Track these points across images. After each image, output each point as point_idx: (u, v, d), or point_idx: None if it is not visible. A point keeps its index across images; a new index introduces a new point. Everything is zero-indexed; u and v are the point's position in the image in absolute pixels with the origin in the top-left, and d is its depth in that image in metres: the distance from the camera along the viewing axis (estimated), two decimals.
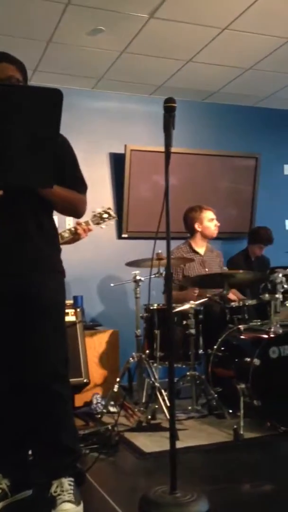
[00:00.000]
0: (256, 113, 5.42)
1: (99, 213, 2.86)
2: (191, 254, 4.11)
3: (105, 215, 2.88)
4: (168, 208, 2.28)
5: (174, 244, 4.12)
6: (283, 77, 4.71)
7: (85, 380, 3.62)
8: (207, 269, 4.06)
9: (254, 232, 4.85)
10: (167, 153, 2.31)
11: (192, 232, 4.17)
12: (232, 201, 5.22)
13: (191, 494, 2.09)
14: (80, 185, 2.28)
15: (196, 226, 4.14)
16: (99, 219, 2.84)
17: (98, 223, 2.84)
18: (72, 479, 2.09)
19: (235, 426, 2.98)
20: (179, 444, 2.75)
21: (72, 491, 2.04)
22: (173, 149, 5.10)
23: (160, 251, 3.37)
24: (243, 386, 3.08)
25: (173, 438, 2.18)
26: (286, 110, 5.52)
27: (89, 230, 2.66)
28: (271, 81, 4.79)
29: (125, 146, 4.70)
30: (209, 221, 4.12)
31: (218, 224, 4.17)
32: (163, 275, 3.32)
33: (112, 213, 2.92)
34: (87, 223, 2.69)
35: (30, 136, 1.76)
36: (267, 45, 4.09)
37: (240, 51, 4.18)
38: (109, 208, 2.92)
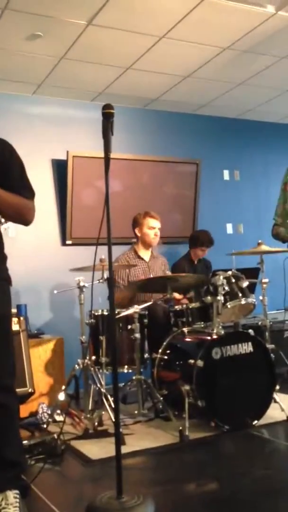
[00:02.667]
0: (196, 120, 5.55)
1: None
2: (136, 260, 4.14)
3: None
4: (108, 214, 2.29)
5: (118, 249, 4.18)
6: (220, 85, 4.84)
7: (30, 390, 3.57)
8: (151, 275, 4.10)
9: (194, 237, 4.95)
10: (106, 159, 2.33)
11: (136, 236, 4.22)
12: (175, 206, 5.30)
13: (137, 497, 2.11)
14: (27, 191, 2.20)
15: (137, 230, 4.18)
16: None
17: None
18: (17, 491, 2.05)
19: (180, 428, 3.02)
20: (125, 449, 2.79)
21: (17, 504, 2.01)
22: (117, 155, 5.17)
23: (103, 257, 3.38)
24: (187, 387, 3.14)
25: (118, 443, 2.19)
26: (224, 118, 5.68)
27: None
28: (209, 89, 4.92)
29: (67, 152, 4.68)
30: (149, 228, 4.16)
31: (158, 234, 4.19)
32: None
33: None
34: None
35: None
36: (204, 54, 4.20)
37: (178, 59, 4.27)
38: None
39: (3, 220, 2.94)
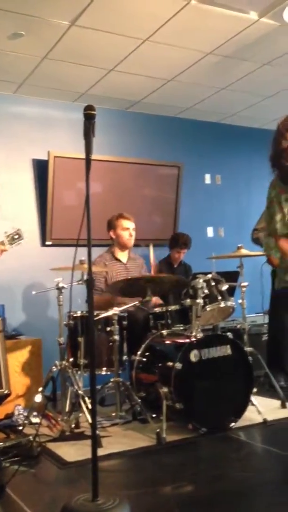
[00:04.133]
0: (178, 124, 5.57)
1: (11, 234, 3.23)
2: (113, 262, 4.13)
3: (16, 236, 3.27)
4: (89, 215, 2.29)
5: (98, 251, 4.17)
6: (203, 89, 4.87)
7: (6, 392, 3.52)
8: (129, 277, 4.09)
9: (173, 237, 4.99)
10: (87, 160, 2.32)
11: (111, 239, 4.21)
12: (156, 208, 5.31)
13: (112, 500, 2.10)
14: None
15: (111, 233, 4.18)
16: (11, 240, 3.11)
17: (10, 244, 3.23)
18: None
19: (158, 430, 3.02)
20: (102, 451, 2.78)
21: None
22: (98, 157, 5.14)
23: (83, 258, 3.36)
24: (165, 390, 3.13)
25: (95, 445, 2.17)
26: (207, 122, 5.72)
27: (4, 250, 2.87)
28: (191, 93, 4.94)
29: (49, 152, 4.65)
30: (122, 230, 4.15)
31: (133, 234, 4.19)
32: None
33: (22, 234, 3.29)
34: (2, 243, 2.77)
35: None
36: (187, 58, 4.22)
37: (161, 62, 4.28)
38: (18, 229, 3.27)
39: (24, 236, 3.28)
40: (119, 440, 3.11)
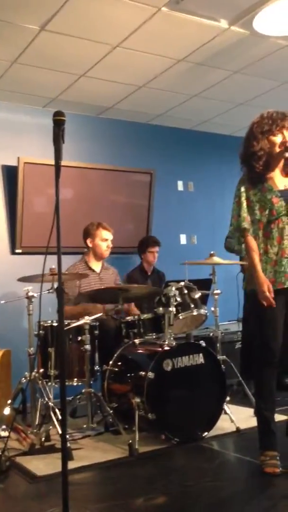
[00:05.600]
0: (150, 130, 5.56)
1: None
2: (87, 271, 4.07)
3: None
4: (58, 222, 2.24)
5: (69, 259, 4.10)
6: (175, 96, 4.88)
7: None
8: (103, 287, 4.04)
9: (141, 242, 4.92)
10: (57, 167, 2.28)
11: (87, 247, 4.15)
12: (128, 215, 5.28)
13: None
14: None
15: (88, 241, 4.11)
16: None
17: None
18: None
19: (130, 441, 2.97)
20: (73, 464, 2.73)
21: None
22: (69, 163, 5.09)
23: (53, 266, 3.30)
24: (138, 400, 3.09)
25: (65, 458, 2.11)
26: (179, 129, 5.72)
27: None
28: (163, 100, 4.94)
29: (18, 158, 4.57)
30: (101, 240, 4.10)
31: (110, 246, 4.14)
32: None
33: None
34: None
35: None
36: (158, 65, 4.21)
37: (132, 69, 4.26)
38: None
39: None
40: (91, 452, 3.05)
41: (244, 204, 2.66)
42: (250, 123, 2.72)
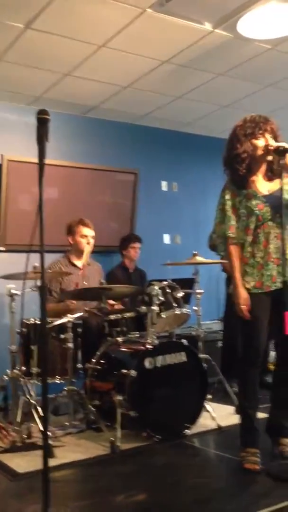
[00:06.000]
0: (135, 130, 5.58)
1: None
2: (69, 268, 4.08)
3: None
4: (42, 220, 2.24)
5: (52, 257, 4.11)
6: (160, 97, 4.90)
7: None
8: (86, 283, 4.06)
9: (122, 239, 4.95)
10: (41, 165, 2.29)
11: (69, 244, 4.17)
12: (112, 215, 5.29)
13: (63, 510, 2.07)
14: None
15: (70, 238, 4.14)
16: None
17: None
18: None
19: (111, 439, 2.99)
20: (54, 462, 2.74)
21: None
22: (54, 162, 5.07)
23: (37, 264, 3.30)
24: (120, 398, 3.11)
25: (46, 455, 2.12)
26: (164, 129, 5.75)
27: None
28: (148, 101, 4.96)
29: (2, 156, 4.56)
30: (81, 237, 4.11)
31: (91, 242, 4.15)
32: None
33: None
34: None
35: None
36: (143, 65, 4.23)
37: (117, 69, 4.28)
38: None
39: None
40: (72, 449, 3.06)
41: (229, 212, 2.68)
42: (233, 126, 2.76)
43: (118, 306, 4.11)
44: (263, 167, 2.73)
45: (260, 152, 2.66)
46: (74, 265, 4.13)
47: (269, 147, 2.63)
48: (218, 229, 2.73)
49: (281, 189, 2.63)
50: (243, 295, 2.61)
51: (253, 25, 3.63)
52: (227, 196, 2.71)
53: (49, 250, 3.20)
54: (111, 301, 3.95)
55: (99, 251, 4.46)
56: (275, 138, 2.67)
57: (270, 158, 2.66)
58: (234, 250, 2.67)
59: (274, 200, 2.63)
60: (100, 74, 4.36)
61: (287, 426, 2.65)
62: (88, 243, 4.12)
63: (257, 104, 5.03)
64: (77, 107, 5.05)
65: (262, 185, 2.71)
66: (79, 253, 4.15)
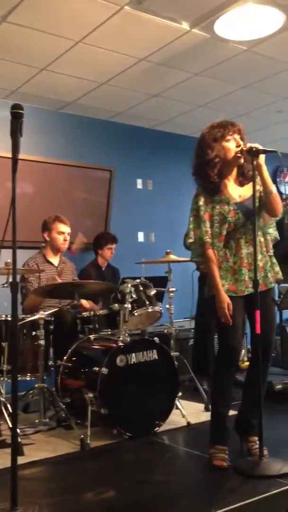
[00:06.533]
0: (111, 127, 5.57)
1: None
2: (45, 265, 4.05)
3: None
4: (14, 215, 2.23)
5: (26, 253, 4.07)
6: (136, 95, 4.91)
7: None
8: (61, 280, 4.03)
9: (98, 238, 4.92)
10: (14, 160, 2.27)
11: (45, 240, 4.13)
12: (87, 212, 5.27)
13: (32, 509, 2.07)
14: None
15: (45, 235, 4.10)
16: None
17: None
18: None
19: (82, 436, 2.98)
20: (24, 459, 2.72)
21: None
22: (28, 157, 5.01)
23: (9, 260, 3.27)
24: (91, 395, 3.10)
25: (15, 452, 2.12)
26: (140, 127, 5.75)
27: None
28: (125, 98, 4.96)
29: None
30: (58, 233, 4.08)
31: (67, 239, 4.12)
32: None
33: None
34: None
35: None
36: (120, 62, 4.23)
37: (94, 65, 4.26)
38: None
39: None
40: (42, 447, 3.04)
41: (204, 218, 2.68)
42: (200, 135, 2.76)
43: (90, 305, 4.10)
44: (234, 172, 2.74)
45: (232, 154, 2.67)
46: (50, 262, 4.10)
47: (243, 148, 2.64)
48: (194, 234, 2.72)
49: (253, 195, 2.63)
50: (226, 299, 2.61)
51: (230, 26, 3.66)
52: (201, 202, 2.70)
53: (22, 246, 3.18)
54: (84, 302, 3.94)
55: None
56: (243, 141, 2.69)
57: (242, 161, 2.68)
58: (212, 254, 2.66)
59: (245, 208, 2.66)
60: (77, 70, 4.34)
61: (255, 424, 2.68)
62: (65, 240, 4.09)
63: (232, 104, 5.08)
64: (53, 102, 5.01)
65: (234, 190, 2.71)
66: (55, 250, 4.12)
